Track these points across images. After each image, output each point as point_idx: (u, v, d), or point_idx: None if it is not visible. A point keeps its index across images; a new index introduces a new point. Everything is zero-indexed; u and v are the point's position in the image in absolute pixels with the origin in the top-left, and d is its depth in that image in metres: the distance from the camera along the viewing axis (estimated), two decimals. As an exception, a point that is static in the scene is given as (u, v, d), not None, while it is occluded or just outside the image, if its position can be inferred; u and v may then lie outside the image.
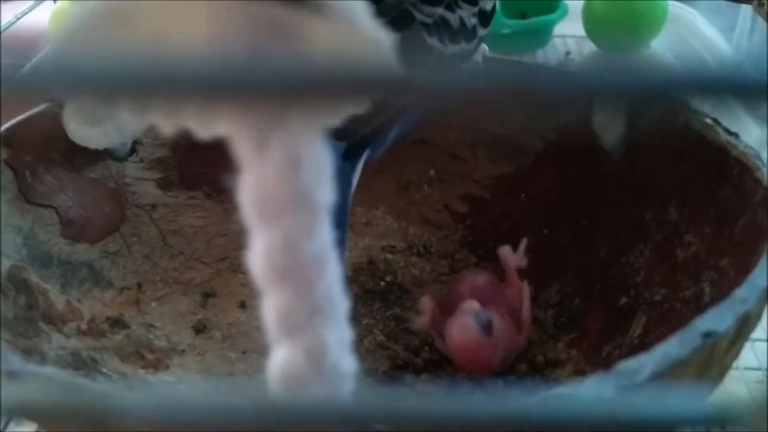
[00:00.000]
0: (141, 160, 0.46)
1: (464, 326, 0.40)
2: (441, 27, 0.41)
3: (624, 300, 0.41)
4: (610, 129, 0.44)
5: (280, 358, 0.17)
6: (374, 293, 0.48)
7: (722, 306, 0.24)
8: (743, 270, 0.30)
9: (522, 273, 0.45)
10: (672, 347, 0.22)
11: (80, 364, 0.34)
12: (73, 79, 0.11)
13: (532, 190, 0.50)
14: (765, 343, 0.51)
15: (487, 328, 0.39)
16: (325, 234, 0.16)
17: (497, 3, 0.43)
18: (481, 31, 0.43)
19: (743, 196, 0.35)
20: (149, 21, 0.12)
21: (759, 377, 0.51)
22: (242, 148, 0.15)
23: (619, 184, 0.45)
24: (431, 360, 0.42)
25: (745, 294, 0.25)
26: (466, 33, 0.42)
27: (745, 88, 0.10)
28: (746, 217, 0.34)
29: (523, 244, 0.45)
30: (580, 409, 0.12)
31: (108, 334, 0.37)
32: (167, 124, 0.15)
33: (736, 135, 0.37)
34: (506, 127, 0.51)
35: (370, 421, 0.12)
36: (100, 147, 0.42)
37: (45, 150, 0.41)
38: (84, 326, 0.37)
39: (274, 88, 0.12)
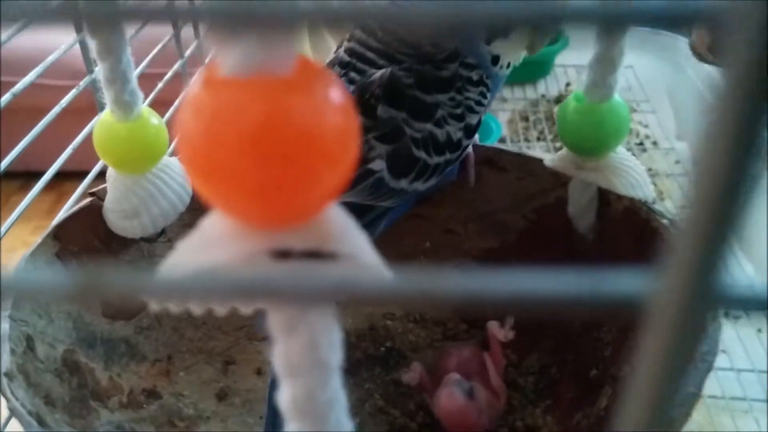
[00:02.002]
0: (169, 240, 0.52)
1: (450, 394, 0.46)
2: (429, 140, 0.46)
3: (594, 372, 0.47)
4: (583, 217, 0.50)
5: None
6: (375, 358, 0.53)
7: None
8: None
9: (507, 342, 0.51)
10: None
11: (124, 436, 0.39)
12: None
13: (516, 263, 0.55)
14: (751, 373, 0.55)
15: (470, 393, 0.46)
16: (335, 383, 0.22)
17: (483, 117, 0.48)
18: (466, 142, 0.48)
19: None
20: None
21: (744, 407, 0.55)
22: (276, 328, 0.21)
23: (591, 264, 0.50)
24: (425, 423, 0.48)
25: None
26: (451, 146, 0.47)
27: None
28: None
29: (509, 319, 0.50)
30: None
31: (144, 405, 0.43)
32: (222, 310, 0.21)
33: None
34: (493, 206, 0.56)
35: None
36: (137, 236, 0.47)
37: (88, 239, 0.47)
38: (124, 399, 0.42)
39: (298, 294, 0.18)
